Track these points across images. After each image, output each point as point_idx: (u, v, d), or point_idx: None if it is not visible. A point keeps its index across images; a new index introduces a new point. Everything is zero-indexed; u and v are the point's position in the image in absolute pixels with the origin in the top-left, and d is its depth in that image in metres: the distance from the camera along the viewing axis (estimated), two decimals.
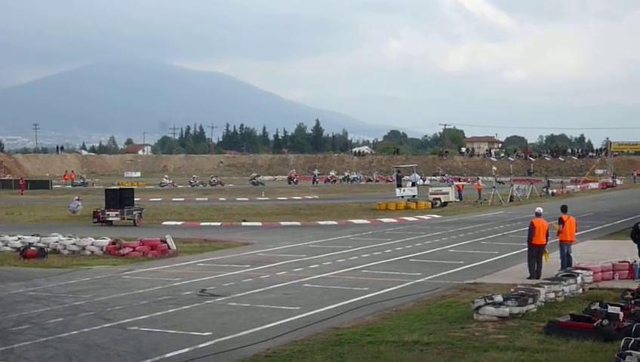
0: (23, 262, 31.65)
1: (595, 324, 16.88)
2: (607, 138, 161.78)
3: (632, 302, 19.13)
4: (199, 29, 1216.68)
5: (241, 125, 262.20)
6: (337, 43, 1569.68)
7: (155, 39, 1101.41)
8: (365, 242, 38.21)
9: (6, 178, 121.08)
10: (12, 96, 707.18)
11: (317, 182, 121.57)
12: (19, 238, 35.51)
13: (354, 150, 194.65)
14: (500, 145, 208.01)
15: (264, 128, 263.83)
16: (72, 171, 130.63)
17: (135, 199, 53.63)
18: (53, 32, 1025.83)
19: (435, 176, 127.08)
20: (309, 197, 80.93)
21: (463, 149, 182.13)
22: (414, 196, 65.68)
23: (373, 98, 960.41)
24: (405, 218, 53.96)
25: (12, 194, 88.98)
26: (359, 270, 28.34)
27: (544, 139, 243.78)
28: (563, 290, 21.55)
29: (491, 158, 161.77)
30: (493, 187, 73.68)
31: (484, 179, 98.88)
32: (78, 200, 59.16)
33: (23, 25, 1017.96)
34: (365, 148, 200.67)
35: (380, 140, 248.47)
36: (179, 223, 50.31)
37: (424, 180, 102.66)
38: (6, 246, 35.24)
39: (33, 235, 35.95)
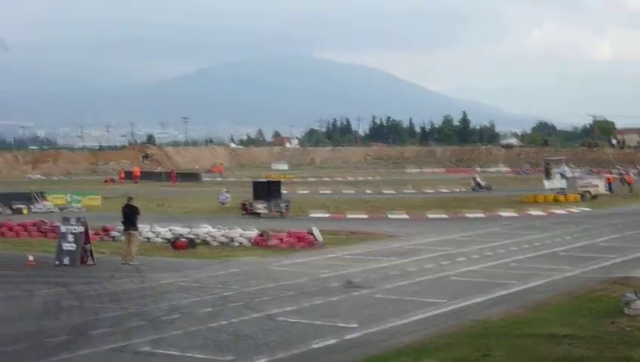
0: (173, 253, 32.46)
1: None
2: None
3: None
4: (343, 21, 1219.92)
5: (388, 117, 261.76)
6: (480, 34, 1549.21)
7: (299, 33, 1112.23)
8: (513, 235, 37.66)
9: (157, 170, 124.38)
10: (163, 89, 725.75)
11: None
12: (170, 230, 36.41)
13: (502, 142, 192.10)
14: None
15: (410, 120, 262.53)
16: (221, 163, 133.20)
17: (282, 191, 54.27)
18: (201, 26, 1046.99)
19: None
20: (456, 189, 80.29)
21: (614, 141, 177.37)
22: (563, 189, 64.41)
23: (518, 89, 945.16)
24: (554, 211, 52.96)
25: (163, 186, 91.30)
26: (507, 263, 27.97)
27: None
28: None
29: None
30: None
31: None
32: (226, 192, 60.26)
33: (174, 20, 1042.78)
34: (514, 140, 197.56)
35: (527, 132, 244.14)
36: (325, 215, 50.65)
37: (573, 172, 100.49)
38: (157, 237, 36.20)
39: (183, 227, 36.80)
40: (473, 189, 77.37)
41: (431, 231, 39.73)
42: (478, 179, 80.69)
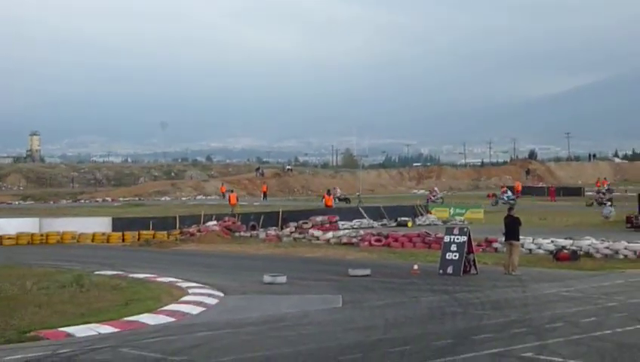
0: (555, 264, 32.25)
1: None
2: None
3: None
4: None
5: None
6: None
7: None
8: None
9: (539, 185, 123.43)
10: (547, 104, 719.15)
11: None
12: (552, 241, 36.16)
13: None
14: None
15: None
16: (605, 178, 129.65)
17: None
18: (586, 42, 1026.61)
19: None
20: None
21: None
22: None
23: None
24: None
25: (544, 201, 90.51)
26: None
27: None
28: None
29: None
30: None
31: None
32: (611, 205, 58.78)
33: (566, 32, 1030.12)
34: None
35: None
36: None
37: None
38: (539, 248, 36.06)
39: (566, 238, 36.40)
40: None
41: None
42: None
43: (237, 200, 73.18)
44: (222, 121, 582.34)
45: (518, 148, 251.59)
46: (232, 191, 78.11)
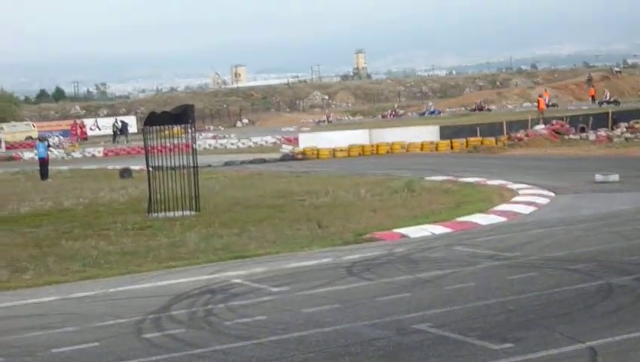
0: None
1: None
2: None
3: None
4: None
5: None
6: None
7: None
8: None
9: None
10: None
11: None
12: None
13: None
14: None
15: None
16: None
17: None
18: None
19: None
20: None
21: None
22: None
23: None
24: None
25: None
26: None
27: None
28: None
29: None
30: None
31: None
32: None
33: None
34: None
35: None
36: None
37: None
38: None
39: None
40: None
41: None
42: None
43: (545, 105, 72.83)
44: (546, 28, 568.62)
45: None
46: (540, 96, 77.39)
